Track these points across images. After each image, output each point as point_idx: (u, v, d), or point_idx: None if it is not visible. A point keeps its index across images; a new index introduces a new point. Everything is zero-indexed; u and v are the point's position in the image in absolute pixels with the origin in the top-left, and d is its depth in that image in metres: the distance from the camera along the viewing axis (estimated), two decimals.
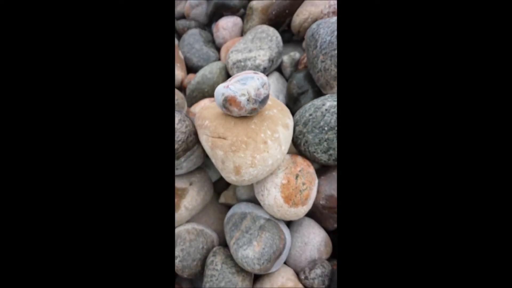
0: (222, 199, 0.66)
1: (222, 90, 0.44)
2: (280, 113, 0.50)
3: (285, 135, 0.49)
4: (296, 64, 0.79)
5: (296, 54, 0.79)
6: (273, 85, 0.75)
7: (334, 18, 0.59)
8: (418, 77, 0.27)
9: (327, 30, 0.57)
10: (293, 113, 0.60)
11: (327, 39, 0.56)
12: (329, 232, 0.61)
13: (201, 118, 0.50)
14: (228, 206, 0.67)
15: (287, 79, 0.80)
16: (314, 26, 0.62)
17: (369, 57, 0.28)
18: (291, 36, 0.91)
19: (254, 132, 0.46)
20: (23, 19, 0.27)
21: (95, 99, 0.27)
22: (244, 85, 0.42)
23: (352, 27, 0.28)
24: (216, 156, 0.47)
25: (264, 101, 0.45)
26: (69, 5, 0.27)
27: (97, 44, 0.27)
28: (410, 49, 0.27)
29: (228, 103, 0.44)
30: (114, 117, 0.27)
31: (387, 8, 0.28)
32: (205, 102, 0.71)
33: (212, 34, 0.99)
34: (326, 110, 0.51)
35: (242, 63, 0.73)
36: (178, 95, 0.68)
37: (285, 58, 0.78)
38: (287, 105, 0.73)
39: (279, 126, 0.49)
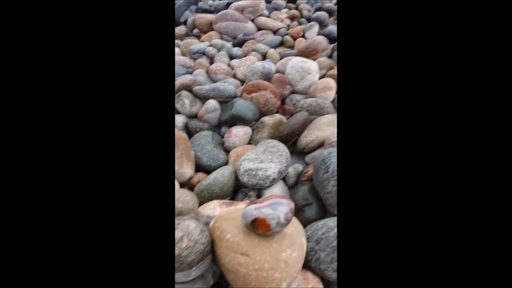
0: None
1: (253, 212, 0.47)
2: (297, 231, 0.53)
3: (302, 254, 0.51)
4: (299, 175, 0.85)
5: (299, 166, 0.86)
6: (279, 192, 0.78)
7: None
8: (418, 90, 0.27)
9: None
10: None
11: None
12: None
13: (220, 230, 0.51)
14: None
15: (289, 186, 0.84)
16: (325, 153, 0.69)
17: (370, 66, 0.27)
18: (294, 149, 1.00)
19: (276, 251, 0.47)
20: (23, 21, 0.26)
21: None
22: (275, 211, 0.46)
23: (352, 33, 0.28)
24: (238, 272, 0.47)
25: (289, 222, 0.47)
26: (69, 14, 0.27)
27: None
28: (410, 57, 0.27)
29: (256, 223, 0.46)
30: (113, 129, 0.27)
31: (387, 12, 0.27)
32: (214, 205, 0.72)
33: (221, 136, 1.07)
34: None
35: (254, 172, 0.78)
36: (192, 198, 0.69)
37: (290, 170, 0.85)
38: None
39: (297, 245, 0.50)
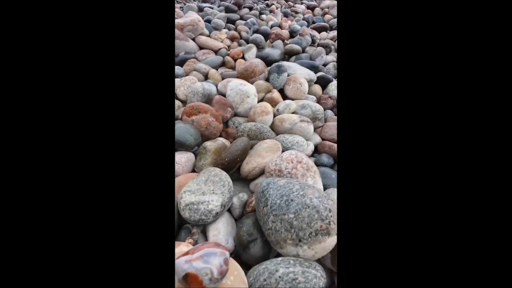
0: None
1: (183, 265, 0.45)
2: (236, 280, 0.52)
3: None
4: (244, 205, 0.86)
5: (244, 196, 0.88)
6: (223, 228, 0.78)
7: (283, 181, 0.70)
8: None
9: (276, 192, 0.67)
10: (243, 262, 0.62)
11: (277, 202, 0.65)
12: None
13: None
14: None
15: (236, 219, 0.85)
16: (264, 184, 0.72)
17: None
18: (239, 175, 1.01)
19: None
20: (23, 21, 0.26)
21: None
22: (207, 264, 0.44)
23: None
24: None
25: (224, 275, 0.47)
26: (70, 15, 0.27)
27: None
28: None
29: (189, 279, 0.44)
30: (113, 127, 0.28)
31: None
32: None
33: None
34: (279, 277, 0.54)
35: (195, 206, 0.76)
36: None
37: (235, 200, 0.86)
38: (237, 251, 0.75)
39: None
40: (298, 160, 0.83)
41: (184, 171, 0.98)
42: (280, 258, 0.60)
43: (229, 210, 0.86)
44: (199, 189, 0.82)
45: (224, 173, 0.88)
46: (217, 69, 1.53)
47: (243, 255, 0.72)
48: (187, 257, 0.45)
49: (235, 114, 1.27)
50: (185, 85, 1.36)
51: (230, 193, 0.83)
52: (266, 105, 1.16)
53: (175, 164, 0.97)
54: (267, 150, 0.96)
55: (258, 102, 1.25)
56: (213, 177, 0.86)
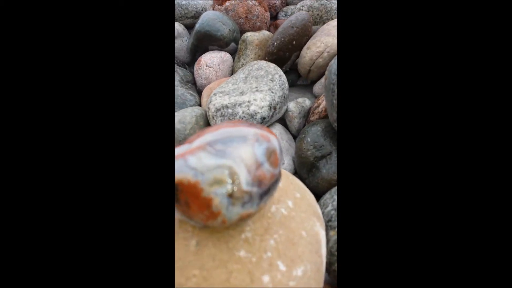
0: None
1: (176, 164, 0.18)
2: (299, 208, 0.23)
3: (318, 265, 0.22)
4: (306, 115, 0.56)
5: (306, 101, 0.57)
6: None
7: None
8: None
9: None
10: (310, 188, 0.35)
11: None
12: None
13: None
14: None
15: (294, 135, 0.56)
16: None
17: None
18: (296, 79, 0.70)
19: (244, 271, 0.19)
20: (22, 18, 0.26)
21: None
22: (221, 158, 0.17)
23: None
24: None
25: (270, 191, 0.18)
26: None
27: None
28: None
29: (181, 194, 0.17)
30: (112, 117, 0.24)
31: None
32: None
33: (193, 74, 0.77)
34: None
35: (230, 110, 0.49)
36: None
37: (292, 106, 0.55)
38: (299, 175, 0.47)
39: (304, 246, 0.22)
40: None
41: (219, 76, 0.70)
42: None
43: (283, 122, 0.57)
44: (236, 89, 0.54)
45: (272, 65, 0.57)
46: None
47: (308, 179, 0.44)
48: (184, 147, 0.19)
49: (287, 3, 0.91)
50: None
51: (284, 92, 0.52)
52: None
53: (206, 67, 0.70)
54: None
55: None
56: (256, 71, 0.56)
